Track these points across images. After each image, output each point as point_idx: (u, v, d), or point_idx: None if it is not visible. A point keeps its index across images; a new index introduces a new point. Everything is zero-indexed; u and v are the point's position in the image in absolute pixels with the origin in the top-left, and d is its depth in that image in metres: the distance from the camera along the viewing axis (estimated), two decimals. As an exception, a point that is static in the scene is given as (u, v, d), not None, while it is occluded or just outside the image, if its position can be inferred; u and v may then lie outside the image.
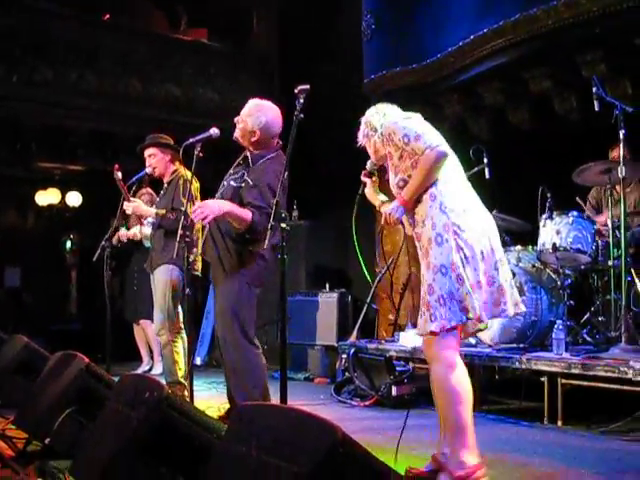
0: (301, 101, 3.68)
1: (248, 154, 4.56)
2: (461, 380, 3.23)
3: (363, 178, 3.77)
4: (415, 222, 3.47)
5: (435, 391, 3.28)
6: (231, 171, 4.64)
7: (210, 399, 5.60)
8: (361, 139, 3.69)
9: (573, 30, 5.85)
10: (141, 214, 5.74)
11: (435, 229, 3.30)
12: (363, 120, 3.69)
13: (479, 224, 3.35)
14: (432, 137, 3.34)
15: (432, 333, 3.22)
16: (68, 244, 11.40)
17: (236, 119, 4.59)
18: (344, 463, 1.85)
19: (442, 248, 3.26)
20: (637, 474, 3.61)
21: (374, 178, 3.76)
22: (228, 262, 4.43)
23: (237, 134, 4.58)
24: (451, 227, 3.27)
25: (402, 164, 3.43)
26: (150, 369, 7.55)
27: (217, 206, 4.28)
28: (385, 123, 3.54)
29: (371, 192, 3.78)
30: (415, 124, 3.43)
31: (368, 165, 3.76)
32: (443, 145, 3.33)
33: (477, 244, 3.28)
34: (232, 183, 4.50)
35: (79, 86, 8.85)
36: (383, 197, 3.74)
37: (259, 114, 4.51)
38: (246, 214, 4.27)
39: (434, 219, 3.31)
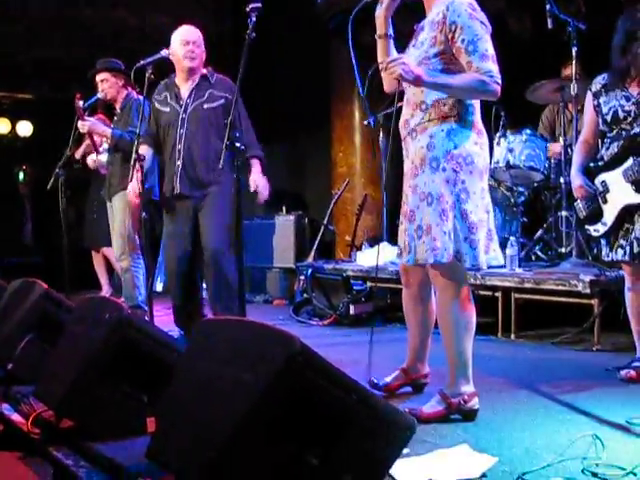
0: (253, 19, 3.63)
1: (205, 73, 4.68)
2: (469, 313, 3.11)
3: None
4: (406, 124, 3.17)
5: (440, 321, 3.18)
6: (184, 95, 4.65)
7: (170, 324, 5.63)
8: None
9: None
10: (97, 133, 5.66)
11: (432, 151, 3.03)
12: None
13: (486, 160, 3.14)
14: (497, 67, 2.96)
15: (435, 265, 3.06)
16: (21, 175, 11.19)
17: (194, 48, 4.62)
18: (303, 372, 1.90)
19: (435, 175, 3.01)
20: (588, 382, 3.74)
21: None
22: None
23: (197, 62, 4.64)
24: (455, 157, 3.01)
25: (433, 60, 3.03)
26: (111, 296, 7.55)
27: None
28: (458, 0, 2.99)
29: (384, 14, 3.20)
30: (489, 39, 3.00)
31: None
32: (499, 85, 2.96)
33: (479, 180, 3.07)
34: (205, 105, 4.59)
35: (24, 11, 8.58)
36: (391, 31, 3.25)
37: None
38: None
39: (435, 140, 3.03)
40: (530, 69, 6.02)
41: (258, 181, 4.59)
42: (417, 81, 2.92)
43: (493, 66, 2.96)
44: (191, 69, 4.62)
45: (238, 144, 3.58)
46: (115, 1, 9.22)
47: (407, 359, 3.55)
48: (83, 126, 5.52)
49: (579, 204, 3.86)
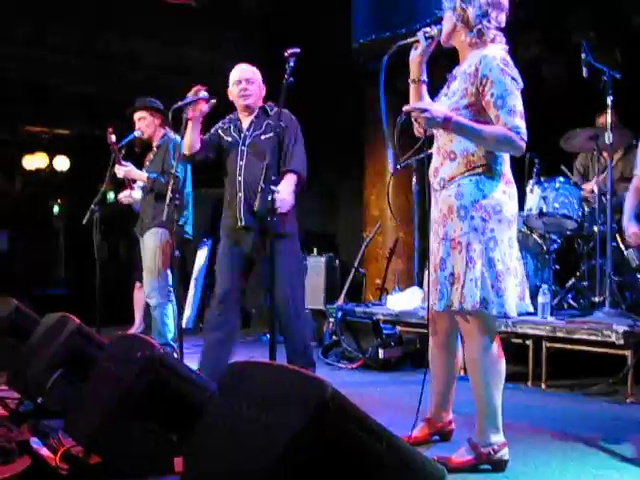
0: (291, 64, 3.67)
1: (264, 106, 4.71)
2: (498, 361, 3.09)
3: (420, 36, 3.21)
4: (435, 173, 3.19)
5: (469, 369, 3.16)
6: (244, 128, 4.71)
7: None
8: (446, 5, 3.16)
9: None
10: (133, 178, 5.75)
11: (460, 200, 3.05)
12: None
13: (514, 209, 3.13)
14: (524, 124, 3.00)
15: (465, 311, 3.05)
16: (56, 209, 11.36)
17: (246, 86, 4.63)
18: (334, 418, 1.90)
19: (463, 224, 3.04)
20: (621, 435, 3.68)
21: (431, 43, 3.21)
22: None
23: (252, 99, 4.65)
24: (484, 206, 3.02)
25: (463, 111, 3.04)
26: (142, 332, 7.56)
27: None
28: (492, 54, 3.03)
29: (419, 59, 3.25)
30: (518, 95, 3.03)
31: (433, 29, 3.20)
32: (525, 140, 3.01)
33: (507, 229, 3.08)
34: (262, 137, 4.60)
35: (62, 46, 8.71)
36: (425, 76, 3.29)
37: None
38: None
39: (463, 189, 3.05)
40: (564, 117, 6.03)
41: (281, 192, 4.21)
42: (446, 123, 2.95)
43: (521, 122, 2.99)
44: (247, 106, 4.67)
45: (273, 187, 3.61)
46: (152, 39, 9.36)
47: (431, 409, 3.50)
48: (119, 171, 5.62)
49: (631, 253, 3.79)
